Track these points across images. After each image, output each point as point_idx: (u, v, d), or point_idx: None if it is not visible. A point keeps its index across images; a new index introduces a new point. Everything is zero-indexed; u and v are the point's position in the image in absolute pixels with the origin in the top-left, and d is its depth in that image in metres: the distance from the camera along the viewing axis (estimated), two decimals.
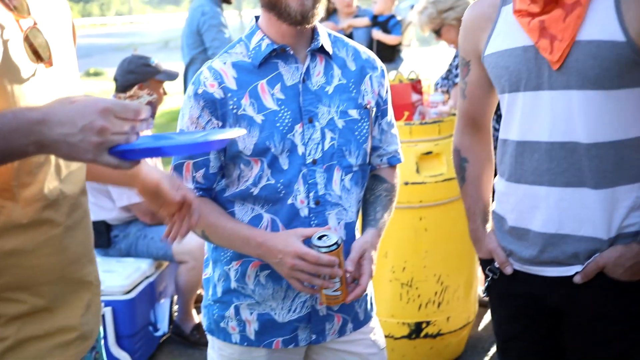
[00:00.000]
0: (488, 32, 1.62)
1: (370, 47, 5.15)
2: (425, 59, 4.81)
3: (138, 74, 3.21)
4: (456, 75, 3.17)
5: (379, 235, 1.67)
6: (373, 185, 1.75)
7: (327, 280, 1.52)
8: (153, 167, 1.41)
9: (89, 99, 0.99)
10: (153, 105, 3.21)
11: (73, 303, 1.21)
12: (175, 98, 10.28)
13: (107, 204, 3.13)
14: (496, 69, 1.59)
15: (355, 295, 1.56)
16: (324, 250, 1.48)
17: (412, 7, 5.88)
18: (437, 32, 3.32)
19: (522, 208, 1.60)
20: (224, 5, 4.88)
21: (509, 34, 1.56)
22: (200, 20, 4.61)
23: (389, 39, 5.21)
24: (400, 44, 5.43)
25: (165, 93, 3.35)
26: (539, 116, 1.52)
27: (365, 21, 5.23)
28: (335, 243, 1.49)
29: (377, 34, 5.21)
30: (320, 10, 1.56)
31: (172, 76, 3.33)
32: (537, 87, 1.51)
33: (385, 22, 5.30)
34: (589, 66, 1.43)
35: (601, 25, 1.43)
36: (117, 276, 3.02)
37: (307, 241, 1.54)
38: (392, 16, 5.31)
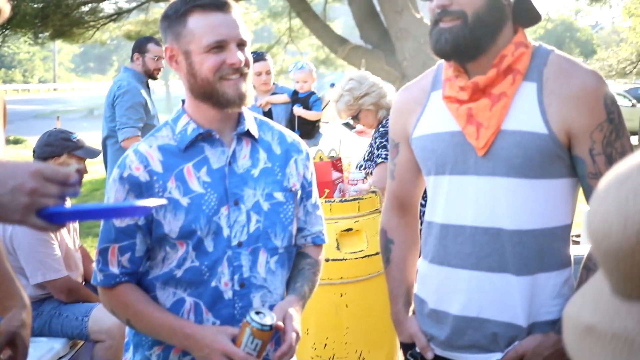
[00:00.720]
0: (417, 115, 1.66)
1: (291, 123, 5.28)
2: (345, 135, 4.95)
3: (56, 147, 3.16)
4: (378, 156, 3.30)
5: (300, 300, 1.67)
6: (297, 261, 1.78)
7: None
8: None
9: (20, 161, 1.02)
10: (80, 174, 3.18)
11: None
12: (96, 167, 10.11)
13: (20, 281, 3.01)
14: (423, 152, 1.64)
15: (282, 352, 1.53)
16: (257, 326, 1.47)
17: (332, 85, 6.06)
18: (355, 118, 3.46)
19: (443, 290, 1.61)
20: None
21: (437, 119, 1.61)
22: (116, 94, 4.60)
23: (311, 115, 5.34)
24: (319, 120, 5.58)
25: (86, 171, 3.31)
26: (464, 200, 1.56)
27: (283, 97, 5.34)
28: (270, 325, 1.49)
29: (299, 110, 5.33)
30: (251, 90, 1.63)
31: (92, 154, 3.29)
32: (463, 171, 1.56)
33: (306, 99, 5.45)
34: (514, 155, 1.48)
35: (525, 116, 1.49)
36: (28, 358, 2.87)
37: (246, 313, 1.54)
38: (313, 93, 5.46)
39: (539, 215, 1.52)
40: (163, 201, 1.37)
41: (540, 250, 1.52)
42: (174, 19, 1.58)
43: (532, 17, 1.57)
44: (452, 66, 1.57)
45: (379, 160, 3.26)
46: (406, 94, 1.74)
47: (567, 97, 1.47)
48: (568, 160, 1.51)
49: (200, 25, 1.54)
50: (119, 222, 1.59)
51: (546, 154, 1.48)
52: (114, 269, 1.59)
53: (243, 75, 1.59)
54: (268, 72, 4.94)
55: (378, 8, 9.28)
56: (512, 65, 1.51)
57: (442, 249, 1.60)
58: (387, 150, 3.23)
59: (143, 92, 4.66)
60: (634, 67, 10.65)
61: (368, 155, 3.42)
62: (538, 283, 1.53)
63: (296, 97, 5.40)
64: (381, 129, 3.34)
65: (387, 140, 3.26)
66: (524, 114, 1.49)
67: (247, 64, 1.59)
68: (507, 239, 1.52)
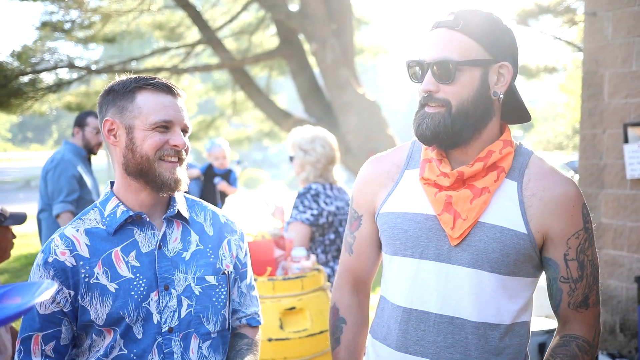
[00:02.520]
0: (387, 190, 1.63)
1: (211, 196, 5.38)
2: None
3: None
4: (290, 215, 3.30)
5: None
6: (233, 343, 1.72)
7: None
8: None
9: None
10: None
11: None
12: (31, 240, 9.74)
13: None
14: (391, 230, 1.59)
15: None
16: None
17: (237, 162, 6.30)
18: (292, 159, 3.49)
19: None
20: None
21: (411, 198, 1.58)
22: (48, 168, 4.49)
23: (232, 191, 5.55)
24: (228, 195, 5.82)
25: (14, 236, 3.16)
26: (431, 287, 1.53)
27: (196, 173, 5.47)
28: None
29: (223, 185, 5.46)
30: (185, 177, 1.60)
31: (19, 219, 3.15)
32: (435, 257, 1.53)
33: (225, 175, 5.62)
34: (491, 249, 1.49)
35: (505, 213, 1.50)
36: None
37: None
38: (230, 170, 5.65)
39: (504, 310, 1.51)
40: (54, 287, 1.28)
41: (501, 346, 1.51)
42: (120, 93, 1.56)
43: (521, 116, 1.61)
44: (435, 150, 1.57)
45: (290, 219, 3.28)
46: (377, 166, 1.69)
47: (549, 202, 1.50)
48: (537, 261, 1.54)
49: (149, 103, 1.54)
50: (42, 310, 1.51)
51: (521, 252, 1.50)
52: (37, 359, 1.51)
53: (180, 160, 1.58)
54: None
55: (321, 83, 9.47)
56: (497, 162, 1.53)
57: (402, 334, 1.55)
58: (298, 211, 3.27)
59: (80, 166, 4.56)
60: (570, 141, 11.14)
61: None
62: None
63: (212, 173, 5.57)
64: (301, 190, 3.38)
65: (301, 202, 3.29)
66: (505, 210, 1.51)
67: (186, 150, 1.59)
68: (470, 331, 1.50)
